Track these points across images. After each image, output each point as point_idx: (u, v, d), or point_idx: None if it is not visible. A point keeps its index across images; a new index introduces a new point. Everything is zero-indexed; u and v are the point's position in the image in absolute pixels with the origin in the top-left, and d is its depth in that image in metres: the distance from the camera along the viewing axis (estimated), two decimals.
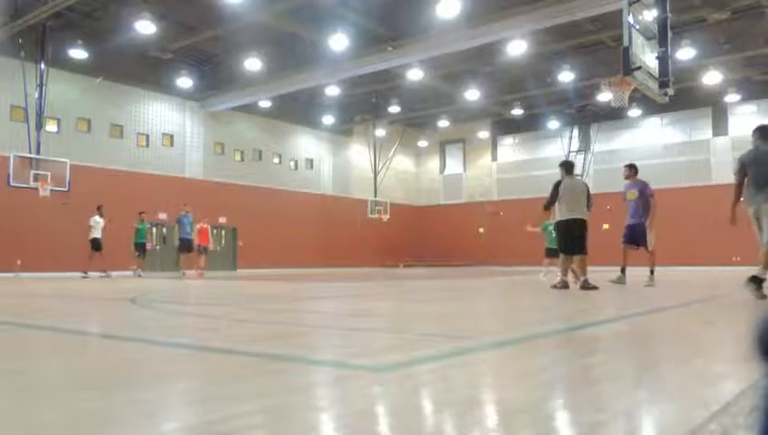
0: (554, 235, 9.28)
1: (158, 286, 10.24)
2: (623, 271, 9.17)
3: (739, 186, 6.28)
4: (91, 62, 19.02)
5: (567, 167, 8.56)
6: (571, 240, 8.13)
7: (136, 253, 17.28)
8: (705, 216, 23.51)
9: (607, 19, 16.49)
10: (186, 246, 16.50)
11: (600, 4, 14.71)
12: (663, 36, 9.27)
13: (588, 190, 8.42)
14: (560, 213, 8.26)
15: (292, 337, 3.61)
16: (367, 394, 1.92)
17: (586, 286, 7.74)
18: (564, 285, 8.03)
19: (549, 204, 8.34)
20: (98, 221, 16.41)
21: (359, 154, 30.22)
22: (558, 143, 28.25)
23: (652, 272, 9.07)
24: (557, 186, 8.28)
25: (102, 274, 16.18)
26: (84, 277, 15.42)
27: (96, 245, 16.26)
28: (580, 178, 8.48)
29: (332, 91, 23.75)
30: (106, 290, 9.13)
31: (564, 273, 8.21)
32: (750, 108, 24.56)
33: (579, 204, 8.17)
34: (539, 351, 2.95)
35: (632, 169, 9.51)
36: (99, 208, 16.56)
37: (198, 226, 16.76)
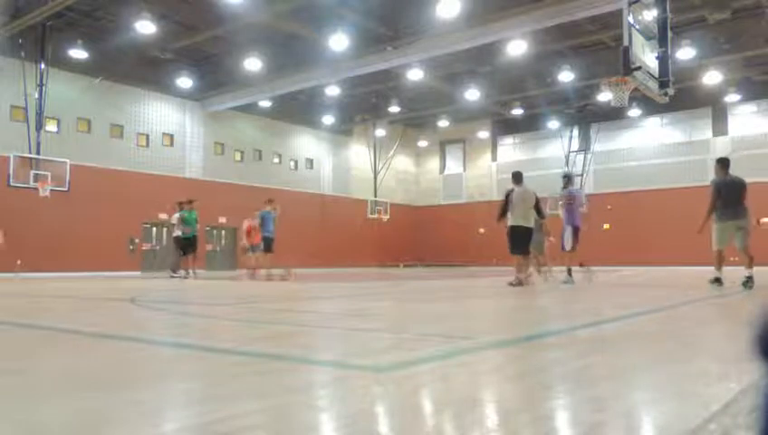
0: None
1: (161, 287, 10.23)
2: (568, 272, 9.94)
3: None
4: (91, 62, 19.02)
5: (515, 177, 9.25)
6: (519, 243, 9.01)
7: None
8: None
9: (607, 19, 16.49)
10: (268, 245, 14.02)
11: (599, 4, 14.70)
12: (663, 36, 9.30)
13: (536, 200, 9.18)
14: (511, 219, 9.04)
15: (292, 337, 3.61)
16: (367, 394, 1.92)
17: (516, 284, 8.78)
18: (519, 283, 8.83)
19: (501, 215, 9.16)
20: (184, 217, 15.23)
21: (359, 154, 30.20)
22: (558, 143, 28.25)
23: (570, 271, 9.87)
24: (508, 196, 9.08)
25: (185, 273, 15.05)
26: (186, 277, 14.41)
27: (186, 242, 15.12)
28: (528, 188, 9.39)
29: (332, 91, 23.75)
30: (106, 290, 9.13)
31: (518, 270, 9.00)
32: (750, 108, 24.55)
33: (528, 212, 9.03)
34: (538, 350, 2.95)
35: (567, 179, 10.38)
36: (181, 205, 15.41)
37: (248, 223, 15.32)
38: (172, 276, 14.80)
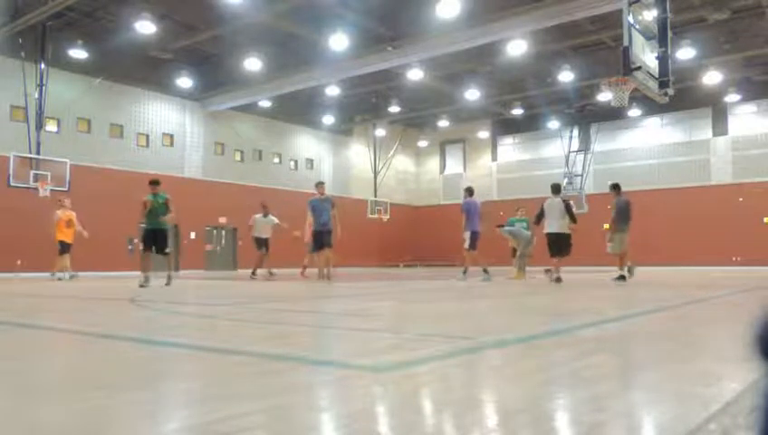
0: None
1: (160, 287, 10.21)
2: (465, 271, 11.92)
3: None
4: (91, 62, 19.01)
5: (552, 188, 10.63)
6: (554, 247, 10.32)
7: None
8: (705, 216, 23.54)
9: (607, 19, 16.48)
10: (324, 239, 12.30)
11: (599, 4, 14.69)
12: (663, 36, 9.29)
13: (566, 207, 10.36)
14: (546, 226, 10.42)
15: (292, 337, 3.61)
16: (367, 394, 1.92)
17: (558, 280, 10.15)
18: (557, 279, 10.20)
19: (537, 220, 10.71)
20: (256, 219, 14.88)
21: (359, 154, 30.20)
22: (558, 143, 28.22)
23: (465, 271, 11.89)
24: (543, 205, 10.54)
25: (268, 272, 14.75)
26: (253, 277, 14.11)
27: (259, 244, 14.72)
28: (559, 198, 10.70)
29: (332, 91, 23.74)
30: (106, 290, 9.13)
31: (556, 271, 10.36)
32: (750, 108, 24.54)
33: (557, 220, 10.26)
34: (538, 351, 2.95)
35: (467, 191, 12.28)
36: (264, 207, 15.05)
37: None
38: (251, 277, 14.26)
